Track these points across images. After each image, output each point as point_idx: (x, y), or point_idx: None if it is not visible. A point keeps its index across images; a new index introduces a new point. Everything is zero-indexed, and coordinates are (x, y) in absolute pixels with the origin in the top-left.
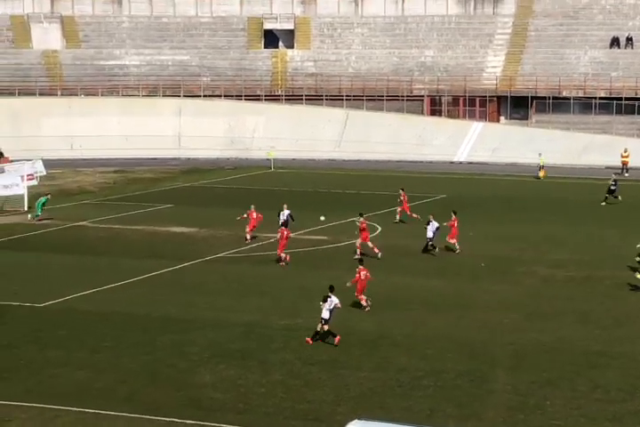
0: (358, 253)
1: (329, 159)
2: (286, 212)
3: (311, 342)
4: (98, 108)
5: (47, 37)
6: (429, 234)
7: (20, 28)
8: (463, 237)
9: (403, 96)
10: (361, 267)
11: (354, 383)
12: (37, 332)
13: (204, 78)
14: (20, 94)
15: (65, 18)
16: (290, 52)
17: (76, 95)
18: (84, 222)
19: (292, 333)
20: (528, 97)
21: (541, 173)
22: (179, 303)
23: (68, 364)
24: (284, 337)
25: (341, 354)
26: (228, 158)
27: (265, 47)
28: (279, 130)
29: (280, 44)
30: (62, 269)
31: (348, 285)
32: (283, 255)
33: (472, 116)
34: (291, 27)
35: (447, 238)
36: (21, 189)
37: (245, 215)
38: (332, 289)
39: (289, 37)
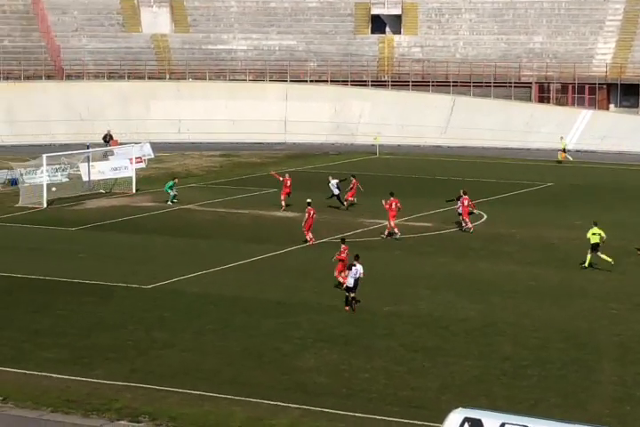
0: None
1: (434, 146)
2: (334, 181)
3: (348, 309)
4: (205, 92)
5: (156, 21)
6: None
7: (130, 12)
8: (571, 226)
9: (510, 83)
10: (343, 245)
11: (458, 371)
12: (144, 313)
13: (311, 63)
14: (129, 78)
15: (174, 2)
16: (397, 37)
17: (184, 79)
18: (190, 206)
19: (396, 319)
20: (639, 85)
21: (561, 157)
22: (284, 287)
23: (173, 345)
24: (388, 323)
25: (446, 342)
26: (333, 144)
27: (372, 32)
28: (385, 116)
29: (387, 29)
30: (169, 252)
31: (332, 260)
32: (309, 237)
33: (581, 103)
34: (398, 12)
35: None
36: (130, 171)
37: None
38: (357, 258)
39: (396, 23)
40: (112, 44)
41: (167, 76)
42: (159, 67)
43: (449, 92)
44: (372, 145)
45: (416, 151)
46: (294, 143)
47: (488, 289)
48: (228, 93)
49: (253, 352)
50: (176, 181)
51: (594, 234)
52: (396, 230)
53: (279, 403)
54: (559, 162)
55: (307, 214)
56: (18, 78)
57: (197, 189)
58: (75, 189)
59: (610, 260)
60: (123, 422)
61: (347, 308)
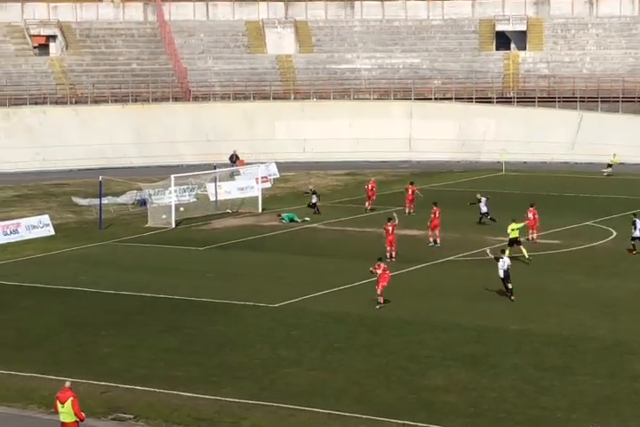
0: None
1: (562, 162)
2: (483, 199)
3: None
4: (329, 111)
5: (281, 42)
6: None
7: (255, 34)
8: None
9: (639, 97)
10: (379, 263)
11: (588, 390)
12: (271, 331)
13: (435, 81)
14: (254, 98)
15: (298, 23)
16: (522, 53)
17: (309, 99)
18: (316, 224)
19: (524, 338)
20: None
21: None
22: (409, 306)
23: (300, 364)
24: (516, 342)
25: (575, 360)
26: (458, 161)
27: (496, 49)
28: (510, 133)
29: (512, 45)
30: (295, 271)
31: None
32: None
33: None
34: (523, 28)
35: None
36: (256, 191)
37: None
38: (503, 251)
39: (521, 39)
40: (238, 65)
41: (292, 96)
42: (284, 87)
43: (576, 108)
44: (498, 162)
45: (543, 168)
46: (419, 161)
47: (618, 307)
48: (352, 112)
49: (380, 371)
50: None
51: (513, 230)
52: (438, 240)
53: (407, 422)
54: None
55: (384, 231)
56: (146, 101)
57: (323, 207)
58: (202, 209)
59: (526, 254)
60: None
61: (513, 297)
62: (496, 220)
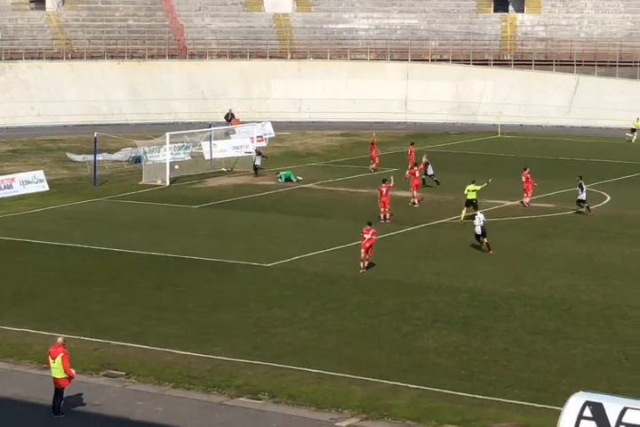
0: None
1: (557, 126)
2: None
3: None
4: (326, 71)
5: (278, 1)
6: None
7: None
8: None
9: (636, 62)
10: (368, 227)
11: (579, 355)
12: (264, 291)
13: (432, 42)
14: (251, 57)
15: None
16: (520, 16)
17: (306, 58)
18: (310, 184)
19: (516, 301)
20: None
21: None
22: (403, 267)
23: (293, 323)
24: (508, 305)
25: (567, 324)
26: (454, 123)
27: (494, 11)
28: (507, 95)
29: (510, 7)
30: (288, 231)
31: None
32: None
33: None
34: None
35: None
36: (251, 150)
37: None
38: (370, 224)
39: (519, 1)
40: (234, 23)
41: (288, 56)
42: (281, 46)
43: (572, 72)
44: (494, 125)
45: (538, 131)
46: (415, 123)
47: (611, 272)
48: (349, 73)
49: (372, 332)
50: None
51: (469, 191)
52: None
53: (398, 383)
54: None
55: (379, 192)
56: (142, 57)
57: (317, 168)
58: (197, 168)
59: (462, 217)
60: (243, 398)
61: (491, 251)
62: (439, 182)
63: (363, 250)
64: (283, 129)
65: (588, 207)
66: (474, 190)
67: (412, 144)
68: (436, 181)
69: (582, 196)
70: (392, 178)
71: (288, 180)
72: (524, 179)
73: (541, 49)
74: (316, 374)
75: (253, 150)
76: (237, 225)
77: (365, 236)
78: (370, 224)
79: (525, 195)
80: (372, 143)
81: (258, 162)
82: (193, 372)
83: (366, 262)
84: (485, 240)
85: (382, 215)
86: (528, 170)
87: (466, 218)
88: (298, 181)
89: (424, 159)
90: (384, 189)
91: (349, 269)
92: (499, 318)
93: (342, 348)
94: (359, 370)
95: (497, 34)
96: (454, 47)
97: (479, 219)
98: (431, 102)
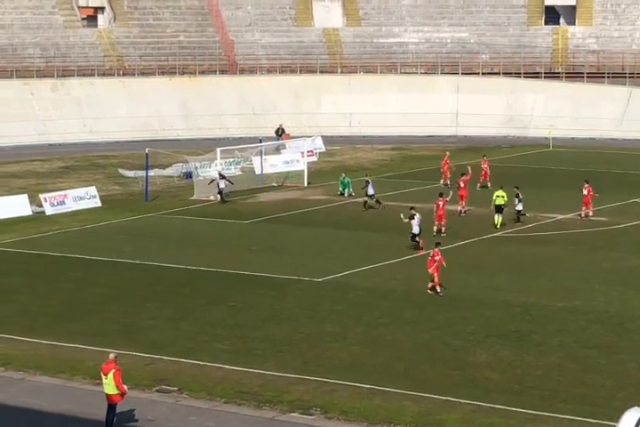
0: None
1: (609, 138)
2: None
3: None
4: (376, 85)
5: (328, 16)
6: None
7: (303, 7)
8: None
9: None
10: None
11: (634, 369)
12: (315, 306)
13: (483, 56)
14: (301, 72)
15: None
16: (571, 28)
17: (356, 73)
18: (361, 199)
19: (569, 315)
20: None
21: None
22: (455, 282)
23: (344, 338)
24: (561, 319)
25: (621, 339)
26: (505, 136)
27: (545, 24)
28: (558, 108)
29: (561, 20)
30: (339, 245)
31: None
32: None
33: None
34: (573, 2)
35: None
36: (302, 164)
37: None
38: (412, 208)
39: (570, 13)
40: (284, 38)
41: (339, 70)
42: (331, 60)
43: (625, 84)
44: (546, 138)
45: (590, 144)
46: (465, 136)
47: None
48: (399, 87)
49: (424, 347)
50: (343, 175)
51: (498, 196)
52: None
53: (450, 398)
54: None
55: (435, 206)
56: (193, 73)
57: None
58: (248, 183)
59: (498, 224)
60: (294, 414)
61: (421, 252)
62: (382, 202)
63: (434, 273)
64: (333, 143)
65: (518, 217)
66: (502, 196)
67: (484, 157)
68: (377, 201)
69: (519, 206)
70: (450, 192)
71: (342, 192)
72: (585, 192)
73: (593, 61)
74: (367, 389)
75: (217, 174)
76: (288, 240)
77: (436, 258)
78: (438, 244)
79: (585, 207)
80: (446, 161)
81: (222, 185)
82: (244, 387)
83: (438, 287)
84: (420, 240)
85: (437, 229)
86: (589, 183)
87: (502, 224)
88: (350, 195)
89: (367, 178)
90: (440, 203)
91: (401, 283)
92: (552, 333)
93: (394, 363)
94: (411, 385)
95: (548, 46)
96: (505, 60)
97: (418, 219)
98: (482, 116)
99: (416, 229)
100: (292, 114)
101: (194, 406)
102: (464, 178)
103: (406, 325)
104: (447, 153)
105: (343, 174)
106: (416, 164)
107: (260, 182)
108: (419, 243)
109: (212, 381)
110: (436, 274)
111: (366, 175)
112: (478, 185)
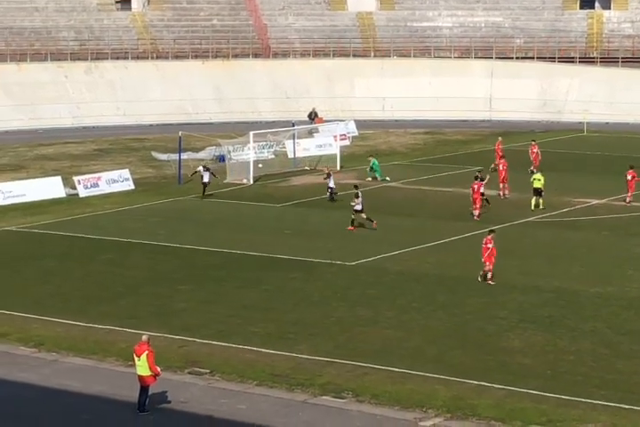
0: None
1: None
2: (201, 168)
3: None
4: (410, 69)
5: (362, 0)
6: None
7: None
8: None
9: None
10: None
11: None
12: (348, 290)
13: (517, 40)
14: (334, 56)
15: None
16: (606, 13)
17: (389, 57)
18: (394, 183)
19: (603, 301)
20: None
21: None
22: None
23: (376, 322)
24: (594, 305)
25: None
26: (539, 121)
27: (580, 8)
28: (593, 93)
29: (596, 4)
30: (372, 229)
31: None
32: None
33: None
34: None
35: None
36: (334, 148)
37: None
38: (356, 187)
39: None
40: (318, 22)
41: (372, 54)
42: (364, 44)
43: None
44: (580, 122)
45: (625, 129)
46: (499, 121)
47: None
48: (433, 71)
49: (457, 331)
50: (369, 158)
51: (535, 179)
52: (506, 192)
53: (483, 383)
54: None
55: (471, 189)
56: (226, 57)
57: (401, 166)
58: (280, 166)
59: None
60: (326, 397)
61: (352, 228)
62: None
63: (487, 262)
64: (366, 128)
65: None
66: (539, 179)
67: (533, 141)
68: (333, 193)
69: (358, 207)
70: (486, 176)
71: (372, 171)
72: (629, 177)
73: (628, 46)
74: (399, 373)
75: (201, 167)
76: (321, 223)
77: (489, 245)
78: (492, 232)
79: (629, 193)
80: (498, 146)
81: (206, 179)
82: (276, 370)
83: (489, 274)
84: (365, 215)
85: (475, 212)
86: (634, 169)
87: (536, 207)
88: (384, 180)
89: (326, 170)
90: (476, 187)
91: (433, 267)
92: (585, 318)
93: (426, 347)
94: (444, 369)
95: (583, 31)
96: (539, 45)
97: (360, 197)
98: (516, 100)
99: (358, 207)
100: (324, 98)
101: (225, 388)
102: (501, 161)
103: (439, 309)
104: (499, 138)
105: (371, 157)
106: (449, 148)
107: (292, 166)
108: (353, 221)
109: (243, 363)
110: (488, 262)
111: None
112: (530, 169)
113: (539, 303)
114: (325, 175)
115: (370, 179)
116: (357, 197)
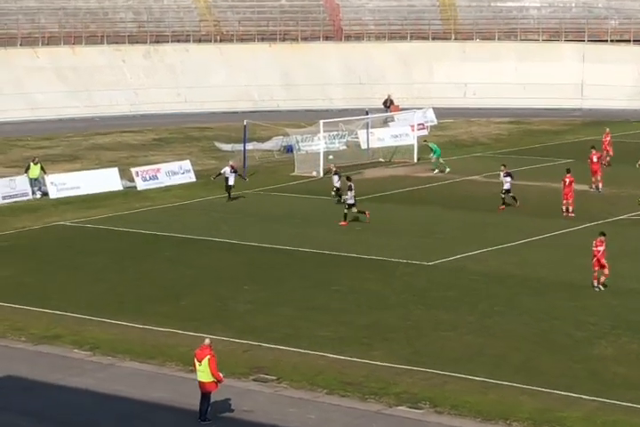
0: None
1: None
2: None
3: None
4: (494, 53)
5: None
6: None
7: None
8: None
9: None
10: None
11: None
12: (426, 292)
13: (612, 21)
14: (411, 38)
15: None
16: None
17: (471, 40)
18: (475, 177)
19: None
20: None
21: None
22: (577, 268)
23: (457, 327)
24: None
25: None
26: (635, 110)
27: None
28: None
29: None
30: (451, 226)
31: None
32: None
33: None
34: None
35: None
36: (411, 139)
37: None
38: (349, 179)
39: None
40: (394, 2)
41: (452, 37)
42: (444, 26)
43: None
44: None
45: None
46: (591, 109)
47: None
48: (519, 55)
49: (544, 337)
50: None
51: None
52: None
53: (571, 394)
54: None
55: (562, 183)
56: (295, 40)
57: (483, 158)
58: (353, 158)
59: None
60: (402, 407)
61: (344, 222)
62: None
63: (596, 266)
64: (446, 116)
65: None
66: None
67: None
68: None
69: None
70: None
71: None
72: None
73: None
74: (481, 382)
75: (227, 168)
76: (396, 220)
77: (599, 248)
78: (603, 234)
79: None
80: (606, 138)
81: (231, 181)
82: (348, 378)
83: (603, 278)
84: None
85: (564, 208)
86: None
87: None
88: (441, 171)
89: (332, 167)
90: (567, 180)
91: (517, 268)
92: None
93: (510, 354)
94: (529, 379)
95: None
96: (636, 26)
97: (353, 190)
98: (610, 87)
99: (352, 200)
100: (401, 84)
101: (294, 396)
102: (595, 153)
103: (524, 313)
104: (607, 129)
105: (427, 142)
106: (536, 139)
107: (365, 158)
108: (346, 215)
109: (313, 370)
110: (597, 266)
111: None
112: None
113: (633, 308)
114: (333, 172)
115: (436, 171)
116: (350, 189)
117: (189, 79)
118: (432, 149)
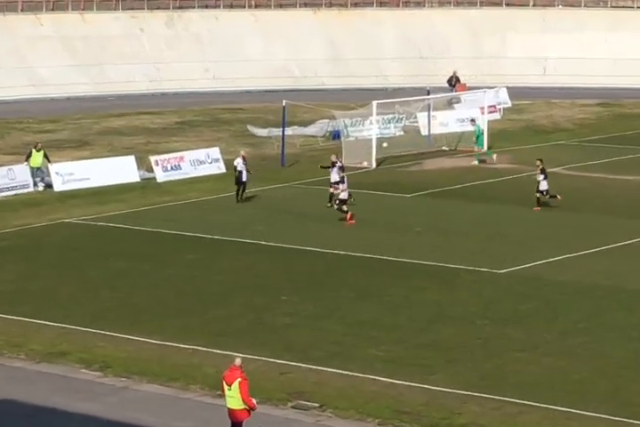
0: None
1: None
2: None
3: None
4: (579, 22)
5: None
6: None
7: None
8: None
9: None
10: None
11: None
12: (496, 304)
13: None
14: (481, 4)
15: None
16: None
17: (553, 6)
18: (557, 169)
19: None
20: None
21: None
22: None
23: (533, 347)
24: None
25: None
26: None
27: None
28: None
29: None
30: (526, 227)
31: None
32: None
33: None
34: None
35: None
36: (481, 123)
37: None
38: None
39: None
40: None
41: (530, 3)
42: None
43: None
44: None
45: None
46: None
47: None
48: (610, 24)
49: (636, 361)
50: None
51: None
52: None
53: None
54: None
55: None
56: (344, 5)
57: (567, 147)
58: (411, 146)
59: None
60: None
61: (351, 221)
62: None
63: None
64: (522, 97)
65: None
66: None
67: None
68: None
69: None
70: None
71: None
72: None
73: None
74: (562, 412)
75: (239, 158)
76: (461, 219)
77: None
78: None
79: None
80: None
81: (245, 177)
82: (404, 406)
83: None
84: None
85: None
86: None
87: None
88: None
89: (334, 159)
90: None
91: (605, 278)
92: None
93: (597, 380)
94: (618, 409)
95: None
96: None
97: (345, 183)
98: None
99: (345, 195)
100: (469, 58)
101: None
102: None
103: (612, 331)
104: None
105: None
106: (629, 124)
107: (426, 145)
108: (347, 211)
109: (363, 396)
110: None
111: None
112: None
113: None
114: (329, 165)
115: (476, 162)
116: (343, 182)
117: (219, 52)
118: (477, 134)
